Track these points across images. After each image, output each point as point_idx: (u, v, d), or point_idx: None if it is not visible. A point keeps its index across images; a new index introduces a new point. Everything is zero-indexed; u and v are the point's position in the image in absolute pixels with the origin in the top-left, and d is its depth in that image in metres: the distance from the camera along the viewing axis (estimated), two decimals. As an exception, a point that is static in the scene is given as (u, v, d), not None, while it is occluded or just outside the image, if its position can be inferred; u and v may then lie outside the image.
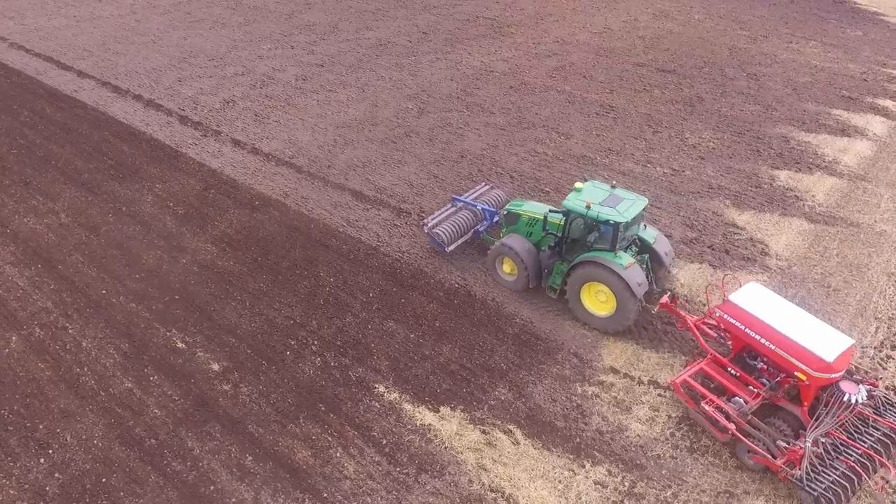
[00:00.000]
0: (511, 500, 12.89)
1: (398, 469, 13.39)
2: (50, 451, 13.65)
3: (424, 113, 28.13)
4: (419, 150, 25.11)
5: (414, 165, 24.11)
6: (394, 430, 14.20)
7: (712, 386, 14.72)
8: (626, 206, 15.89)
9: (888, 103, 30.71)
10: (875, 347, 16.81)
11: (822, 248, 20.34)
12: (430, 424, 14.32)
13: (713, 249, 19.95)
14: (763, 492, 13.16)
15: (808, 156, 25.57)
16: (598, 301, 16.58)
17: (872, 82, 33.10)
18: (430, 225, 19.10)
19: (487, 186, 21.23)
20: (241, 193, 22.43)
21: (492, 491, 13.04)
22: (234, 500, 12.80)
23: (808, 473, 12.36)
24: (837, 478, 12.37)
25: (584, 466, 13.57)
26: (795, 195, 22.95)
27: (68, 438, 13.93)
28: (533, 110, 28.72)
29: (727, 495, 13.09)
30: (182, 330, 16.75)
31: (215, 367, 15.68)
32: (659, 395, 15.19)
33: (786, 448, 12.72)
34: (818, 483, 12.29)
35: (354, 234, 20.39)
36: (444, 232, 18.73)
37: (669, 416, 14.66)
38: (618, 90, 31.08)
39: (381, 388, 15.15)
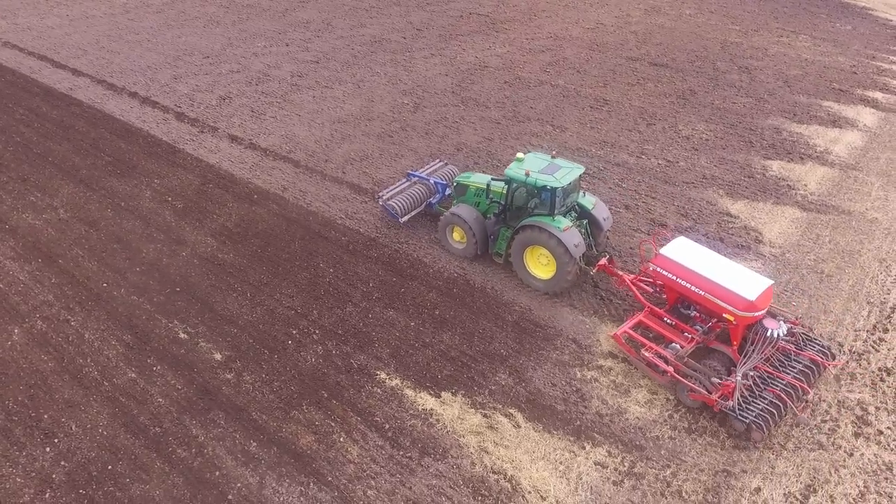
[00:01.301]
0: (513, 481, 13.09)
1: (401, 453, 13.57)
2: (55, 440, 13.76)
3: (420, 108, 28.31)
4: (415, 144, 25.29)
5: (410, 158, 24.27)
6: (396, 415, 14.38)
7: (651, 335, 15.84)
8: (563, 173, 16.92)
9: (878, 95, 31.09)
10: (868, 330, 17.10)
11: (815, 236, 20.64)
12: (431, 409, 14.51)
13: (708, 238, 20.21)
14: (760, 470, 13.42)
15: (800, 146, 25.89)
16: (540, 264, 17.61)
17: (862, 75, 33.48)
18: (385, 197, 20.02)
19: (442, 163, 22.27)
20: (240, 188, 22.55)
21: (494, 473, 13.24)
22: (239, 484, 12.96)
23: (739, 404, 13.70)
24: (766, 406, 13.78)
25: (584, 448, 13.78)
26: (788, 184, 23.25)
27: (73, 427, 14.05)
28: (528, 104, 28.94)
29: (725, 474, 13.33)
30: (184, 321, 16.87)
31: (218, 356, 15.82)
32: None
33: (719, 384, 13.89)
34: (749, 412, 13.67)
35: (353, 225, 20.55)
36: (398, 204, 19.71)
37: (668, 399, 14.88)
38: (611, 84, 31.34)
39: (383, 375, 15.33)
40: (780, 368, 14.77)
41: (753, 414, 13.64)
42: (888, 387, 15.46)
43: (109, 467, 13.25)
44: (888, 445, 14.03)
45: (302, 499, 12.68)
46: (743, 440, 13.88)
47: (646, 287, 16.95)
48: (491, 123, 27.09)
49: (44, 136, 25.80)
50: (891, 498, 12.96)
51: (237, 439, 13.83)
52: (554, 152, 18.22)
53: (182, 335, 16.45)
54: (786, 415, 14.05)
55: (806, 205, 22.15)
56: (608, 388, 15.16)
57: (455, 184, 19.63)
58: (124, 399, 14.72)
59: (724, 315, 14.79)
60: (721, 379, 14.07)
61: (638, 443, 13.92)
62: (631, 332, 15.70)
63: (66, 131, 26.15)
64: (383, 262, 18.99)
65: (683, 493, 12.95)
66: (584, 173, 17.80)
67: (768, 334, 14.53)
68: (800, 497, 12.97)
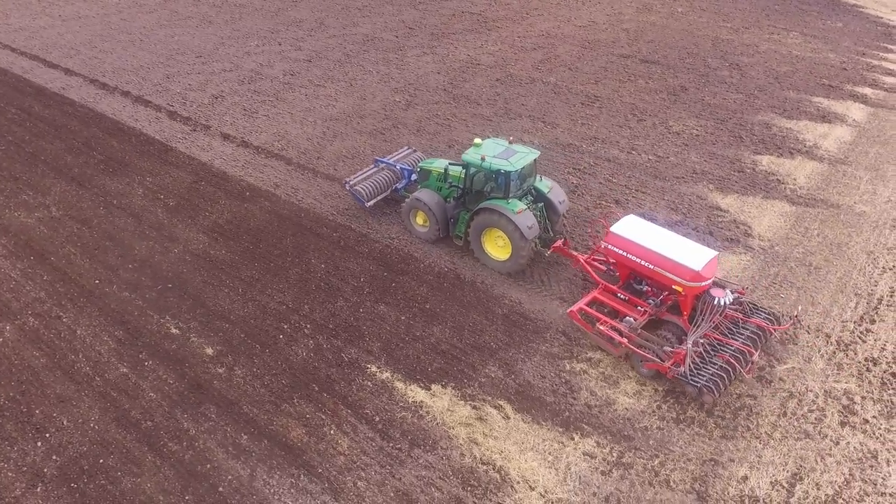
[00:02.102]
0: (502, 471, 13.19)
1: (391, 444, 13.66)
2: (47, 435, 13.81)
3: (412, 105, 28.41)
4: (407, 141, 25.37)
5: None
6: (386, 407, 14.47)
7: (606, 311, 16.43)
8: (518, 157, 17.44)
9: (867, 91, 31.30)
10: (855, 322, 17.25)
11: (804, 229, 20.79)
12: (421, 401, 14.60)
13: (697, 231, 20.35)
14: (747, 459, 13.54)
15: (790, 141, 26.06)
16: (497, 246, 18.18)
17: (852, 71, 33.70)
18: (351, 183, 20.43)
19: (410, 150, 22.69)
20: (232, 185, 22.62)
21: (483, 464, 13.34)
22: (230, 477, 13.03)
23: (690, 370, 14.39)
24: (716, 371, 14.46)
25: (573, 439, 13.89)
26: (777, 179, 23.41)
27: (65, 422, 14.10)
28: (519, 101, 29.07)
29: (712, 463, 13.45)
30: (176, 317, 16.94)
31: (209, 351, 15.89)
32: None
33: (671, 352, 14.56)
34: (699, 377, 14.33)
35: (344, 221, 20.64)
36: (364, 189, 20.22)
37: (656, 390, 15.00)
38: (603, 81, 31.49)
39: (374, 368, 15.42)
40: (729, 335, 15.51)
41: (704, 379, 14.31)
42: (874, 376, 15.60)
43: (101, 461, 13.31)
44: (873, 434, 14.17)
45: (292, 490, 12.76)
46: (730, 429, 14.04)
47: (599, 266, 17.57)
48: (482, 120, 27.21)
49: (36, 135, 25.84)
50: (875, 485, 13.09)
51: (228, 432, 13.90)
52: (511, 138, 18.78)
53: (174, 330, 16.52)
54: (735, 378, 14.75)
55: (795, 199, 22.31)
56: (597, 379, 15.27)
57: (419, 169, 20.15)
58: (116, 394, 14.78)
59: (672, 287, 15.42)
60: (673, 347, 14.75)
61: (626, 433, 14.03)
62: (586, 308, 16.21)
63: (59, 130, 26.19)
64: (374, 257, 19.09)
65: (671, 483, 13.07)
66: (538, 157, 18.38)
67: (715, 302, 15.17)
68: (786, 485, 13.09)
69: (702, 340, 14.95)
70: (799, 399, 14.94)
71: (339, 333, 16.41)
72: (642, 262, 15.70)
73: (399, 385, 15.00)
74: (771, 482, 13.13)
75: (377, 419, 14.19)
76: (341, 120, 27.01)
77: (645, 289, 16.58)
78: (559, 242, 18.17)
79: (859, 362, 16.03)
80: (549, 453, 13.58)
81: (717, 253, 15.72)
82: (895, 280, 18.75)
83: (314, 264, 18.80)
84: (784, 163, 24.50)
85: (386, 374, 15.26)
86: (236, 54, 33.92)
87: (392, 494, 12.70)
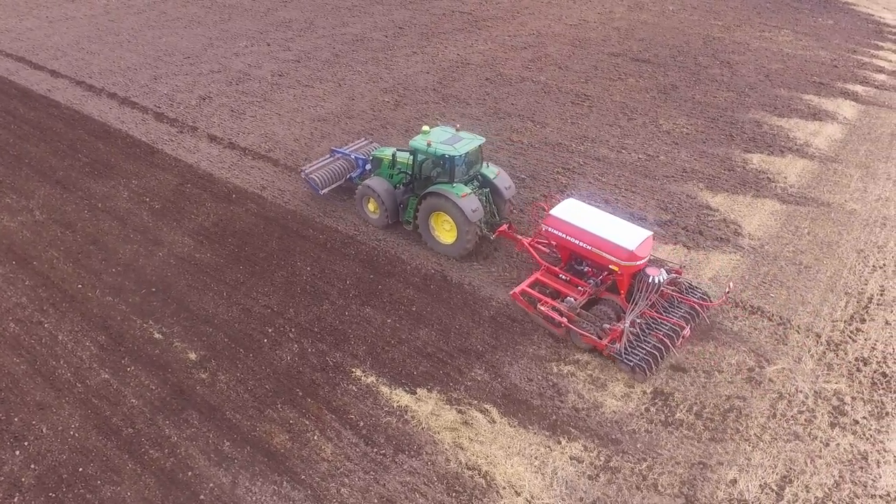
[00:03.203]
0: (488, 476, 13.00)
1: (375, 450, 13.46)
2: (25, 443, 13.58)
3: (401, 105, 28.21)
4: (396, 142, 25.14)
5: (390, 156, 24.14)
6: (371, 412, 14.27)
7: (548, 292, 16.90)
8: (463, 143, 18.01)
9: (858, 88, 31.22)
10: (845, 321, 17.11)
11: (794, 228, 20.66)
12: (406, 406, 14.41)
13: (687, 231, 20.21)
14: (736, 462, 13.38)
15: (780, 139, 25.95)
16: (444, 230, 18.66)
17: (843, 68, 33.62)
18: (307, 171, 20.90)
19: (367, 140, 23.27)
20: (218, 187, 22.39)
21: (468, 469, 13.15)
22: (211, 484, 12.82)
23: (625, 347, 14.97)
24: (650, 349, 15.04)
25: (559, 443, 13.71)
26: (768, 177, 23.29)
27: (44, 430, 13.87)
28: (508, 101, 28.89)
29: (701, 466, 13.29)
30: (159, 321, 16.71)
31: (192, 356, 15.67)
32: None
33: (609, 329, 15.06)
34: (634, 354, 14.94)
35: (331, 223, 20.43)
36: (318, 177, 20.66)
37: (644, 392, 14.84)
38: (593, 80, 31.34)
39: (359, 372, 15.22)
40: (665, 313, 16.14)
41: (638, 357, 14.88)
42: (864, 377, 15.47)
43: (80, 469, 13.08)
44: (864, 435, 14.03)
45: (275, 498, 12.55)
46: (719, 432, 13.90)
47: (543, 248, 18.11)
48: (472, 120, 27.02)
49: (20, 137, 25.57)
50: (865, 487, 12.95)
51: (210, 439, 13.69)
52: (458, 125, 19.24)
53: (157, 335, 16.29)
54: (668, 355, 15.28)
55: (785, 197, 22.18)
56: (585, 382, 15.10)
57: (371, 157, 20.67)
58: (97, 400, 14.55)
59: (609, 266, 15.93)
60: (611, 325, 15.22)
61: (614, 437, 13.86)
62: (528, 289, 16.65)
63: (44, 133, 25.93)
64: (361, 260, 18.89)
65: (659, 487, 12.90)
66: (484, 143, 18.89)
67: (650, 281, 15.62)
68: (776, 488, 12.94)
69: (638, 320, 15.52)
70: (789, 400, 14.80)
71: (325, 337, 16.21)
72: (580, 244, 16.20)
73: (384, 389, 14.80)
74: (760, 485, 12.98)
75: (361, 424, 13.99)
76: (329, 120, 26.80)
77: (586, 269, 17.16)
78: (504, 227, 18.71)
79: (850, 362, 15.89)
80: (536, 458, 13.40)
81: (651, 233, 16.29)
82: (885, 279, 18.64)
83: (300, 267, 18.59)
84: (775, 161, 24.39)
85: (371, 378, 15.07)
86: (225, 55, 33.67)
87: (376, 501, 12.51)
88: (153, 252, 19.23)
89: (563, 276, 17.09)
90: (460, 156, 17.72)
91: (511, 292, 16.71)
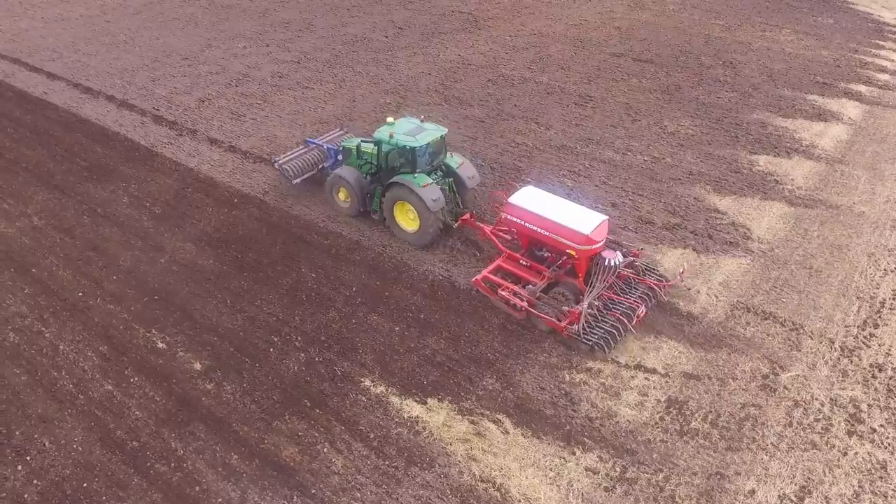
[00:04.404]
0: (502, 489, 12.76)
1: (387, 462, 13.19)
2: (28, 458, 13.28)
3: (403, 106, 27.89)
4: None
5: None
6: (381, 423, 14.00)
7: (511, 279, 17.27)
8: (424, 135, 18.45)
9: (861, 88, 31.04)
10: (858, 326, 16.91)
11: (803, 231, 20.46)
12: (417, 417, 14.14)
13: (696, 234, 19.98)
14: (754, 472, 13.17)
15: (786, 140, 25.74)
16: (408, 219, 19.02)
17: (845, 68, 33.44)
18: (280, 162, 21.13)
19: (342, 131, 23.55)
20: (220, 191, 22.06)
21: (482, 481, 12.90)
22: (220, 499, 12.54)
23: (583, 328, 15.47)
24: (608, 329, 15.62)
25: (574, 453, 13.47)
26: (775, 179, 23.07)
27: (47, 444, 13.57)
28: (511, 102, 28.62)
29: (718, 477, 13.08)
30: (162, 330, 16.40)
31: (197, 366, 15.37)
32: (646, 378, 15.16)
33: (567, 311, 15.53)
34: (592, 335, 15.47)
35: (336, 228, 20.14)
36: (291, 168, 20.94)
37: (658, 401, 14.62)
38: (595, 80, 31.09)
39: (368, 382, 14.94)
40: (622, 294, 16.79)
41: (596, 337, 15.43)
42: (880, 383, 15.27)
43: (85, 485, 12.79)
44: (882, 443, 13.83)
45: (285, 513, 12.29)
46: (735, 441, 13.66)
47: (504, 235, 18.52)
48: (475, 122, 26.75)
49: (17, 141, 25.18)
50: (886, 497, 12.75)
51: (218, 452, 13.40)
52: (422, 117, 19.77)
53: (160, 345, 15.99)
54: (626, 334, 15.80)
55: (793, 199, 21.97)
56: (597, 390, 14.86)
57: (342, 148, 21.05)
58: (100, 413, 14.25)
59: (567, 251, 16.36)
60: (569, 307, 15.69)
61: (629, 447, 13.63)
62: (490, 275, 17.10)
63: (41, 136, 25.54)
64: (367, 266, 18.60)
65: (676, 498, 12.68)
66: (446, 134, 19.25)
67: (607, 263, 16.17)
68: (794, 499, 12.73)
69: (596, 303, 16.09)
70: (804, 408, 14.59)
71: (332, 346, 15.92)
72: (538, 230, 16.60)
73: (394, 399, 14.53)
74: (779, 496, 12.77)
75: (372, 436, 13.72)
76: (330, 123, 26.42)
77: (546, 255, 17.64)
78: (466, 215, 19.08)
79: (864, 368, 15.69)
80: (551, 469, 13.15)
81: (606, 217, 16.73)
82: (897, 282, 18.45)
83: (305, 273, 18.30)
84: (781, 163, 24.18)
85: (380, 388, 14.79)
86: (223, 56, 33.29)
87: (389, 516, 12.26)
88: (155, 258, 18.91)
89: (524, 262, 17.52)
90: (422, 147, 18.16)
91: (473, 279, 17.14)
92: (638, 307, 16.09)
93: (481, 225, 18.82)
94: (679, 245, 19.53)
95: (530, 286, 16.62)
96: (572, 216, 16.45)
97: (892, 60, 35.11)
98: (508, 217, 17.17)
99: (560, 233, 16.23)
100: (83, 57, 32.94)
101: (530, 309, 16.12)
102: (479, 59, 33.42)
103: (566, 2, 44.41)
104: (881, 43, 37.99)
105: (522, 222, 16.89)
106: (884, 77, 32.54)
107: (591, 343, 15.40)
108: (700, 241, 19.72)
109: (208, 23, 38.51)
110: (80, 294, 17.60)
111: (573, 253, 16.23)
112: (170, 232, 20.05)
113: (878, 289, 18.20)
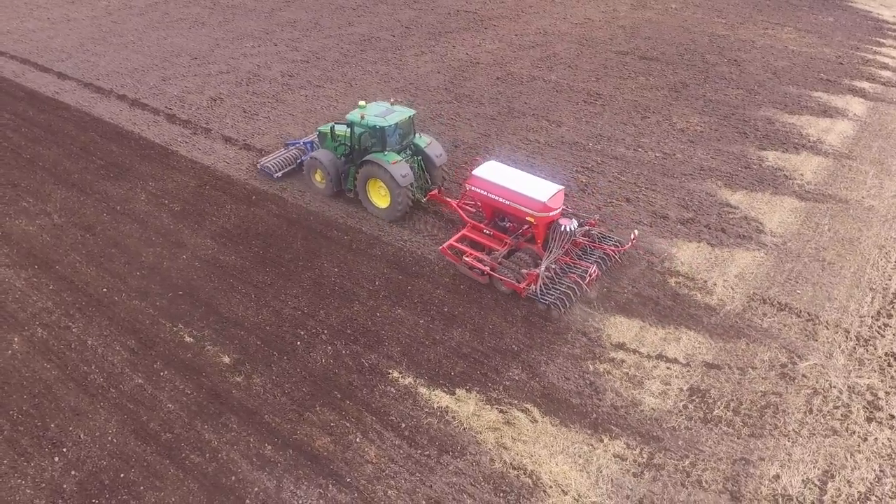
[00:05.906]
0: (533, 476, 13.01)
1: (419, 451, 13.43)
2: (64, 450, 13.46)
3: (414, 105, 28.05)
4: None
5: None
6: (411, 413, 14.24)
7: (480, 249, 18.42)
8: (393, 115, 19.68)
9: (865, 84, 31.44)
10: (872, 316, 17.24)
11: (815, 224, 20.79)
12: (447, 407, 14.38)
13: (709, 228, 20.28)
14: (777, 457, 13.46)
15: (794, 136, 26.10)
16: (379, 195, 20.29)
17: (848, 65, 33.85)
18: (262, 163, 22.61)
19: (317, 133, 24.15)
20: (237, 189, 22.26)
21: (514, 468, 13.15)
22: (256, 489, 12.75)
23: (541, 289, 16.66)
24: (563, 290, 16.66)
25: (602, 441, 13.74)
26: (784, 174, 23.41)
27: (82, 436, 13.75)
28: (521, 100, 28.89)
29: (743, 462, 13.36)
30: (189, 324, 16.59)
31: (226, 359, 15.57)
32: (668, 368, 15.44)
33: (526, 274, 16.73)
34: (548, 295, 16.55)
35: (355, 224, 20.37)
36: (272, 165, 22.41)
37: (681, 389, 14.90)
38: (603, 78, 31.40)
39: (395, 374, 15.17)
40: (578, 258, 18.00)
41: (553, 297, 16.45)
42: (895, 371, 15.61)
43: (122, 475, 12.98)
44: (901, 429, 14.15)
45: (321, 501, 12.50)
46: (758, 428, 13.95)
47: (469, 208, 19.69)
48: (486, 119, 27.01)
49: (32, 140, 25.31)
50: (907, 481, 13.06)
51: (251, 443, 13.61)
52: (392, 100, 21.33)
53: (188, 339, 16.18)
54: (581, 294, 16.91)
55: (803, 194, 22.31)
56: (621, 380, 15.14)
57: (317, 133, 22.34)
58: (132, 405, 14.44)
59: (526, 219, 17.52)
60: (528, 270, 16.82)
61: (655, 434, 13.90)
62: (455, 243, 18.31)
63: (55, 135, 25.68)
64: (387, 260, 18.83)
65: (703, 483, 12.96)
66: (415, 115, 20.47)
67: (562, 230, 17.35)
68: (818, 483, 13.02)
69: (553, 266, 17.23)
70: (823, 396, 14.89)
71: (358, 338, 16.15)
72: (499, 199, 17.79)
73: (422, 390, 14.77)
74: (803, 480, 13.06)
75: (403, 426, 13.95)
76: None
77: (507, 225, 18.81)
78: (434, 191, 20.41)
79: (880, 357, 16.02)
80: (580, 456, 13.42)
81: (562, 187, 17.92)
82: (909, 274, 18.80)
83: (327, 268, 18.51)
84: (790, 158, 24.52)
85: (408, 380, 15.03)
86: (232, 56, 33.47)
87: (424, 502, 12.48)
88: (176, 255, 19.09)
89: (488, 231, 18.70)
90: (391, 126, 19.34)
91: (440, 247, 18.23)
92: (590, 268, 17.18)
93: (448, 199, 20.13)
94: (694, 239, 19.84)
95: (494, 253, 17.81)
96: (531, 186, 17.60)
97: (894, 57, 35.55)
98: (472, 188, 18.31)
99: (519, 201, 17.37)
100: (92, 57, 33.07)
101: (492, 273, 17.20)
102: (487, 58, 33.69)
103: (569, 1, 44.74)
104: (881, 41, 38.44)
105: (485, 193, 18.05)
106: (886, 74, 32.96)
107: (547, 303, 16.41)
108: (714, 234, 20.03)
109: (215, 23, 38.68)
110: (105, 290, 17.77)
111: (532, 220, 17.38)
112: (190, 229, 20.24)
113: (890, 280, 18.54)
